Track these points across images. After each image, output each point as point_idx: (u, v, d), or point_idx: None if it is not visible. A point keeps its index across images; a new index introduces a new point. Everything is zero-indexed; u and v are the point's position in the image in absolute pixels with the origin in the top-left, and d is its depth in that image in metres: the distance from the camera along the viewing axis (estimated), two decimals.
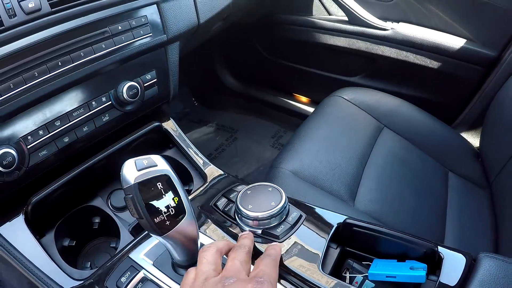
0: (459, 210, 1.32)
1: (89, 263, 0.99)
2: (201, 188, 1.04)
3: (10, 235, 0.90)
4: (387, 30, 1.82)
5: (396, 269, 0.74)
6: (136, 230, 1.03)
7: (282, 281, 0.75)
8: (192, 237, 0.68)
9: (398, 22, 1.84)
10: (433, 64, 1.78)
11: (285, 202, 0.81)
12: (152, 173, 0.62)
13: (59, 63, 0.88)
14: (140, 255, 0.82)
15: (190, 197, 0.98)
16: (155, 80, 1.11)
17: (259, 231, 0.82)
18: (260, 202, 0.82)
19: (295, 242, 0.80)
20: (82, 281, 0.84)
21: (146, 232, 0.86)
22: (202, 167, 1.11)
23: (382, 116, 1.56)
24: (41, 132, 0.90)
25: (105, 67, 0.97)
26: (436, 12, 1.73)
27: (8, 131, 0.86)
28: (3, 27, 0.80)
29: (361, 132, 1.47)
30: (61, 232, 0.99)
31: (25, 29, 0.83)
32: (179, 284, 0.67)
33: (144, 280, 0.77)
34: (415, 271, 0.73)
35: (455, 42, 1.70)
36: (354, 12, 1.86)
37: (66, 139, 0.95)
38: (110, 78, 1.01)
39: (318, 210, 0.88)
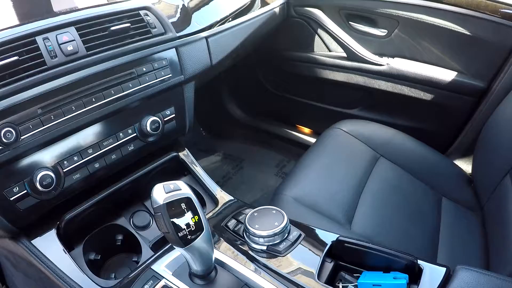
0: (451, 231, 1.36)
1: (113, 274, 1.06)
2: (214, 211, 1.15)
3: (43, 247, 0.99)
4: (383, 65, 1.90)
5: (381, 278, 0.82)
6: (156, 246, 1.11)
7: None
8: (208, 250, 0.77)
9: (393, 57, 1.91)
10: (427, 96, 1.84)
11: (286, 223, 0.94)
12: (177, 195, 0.71)
13: (93, 99, 0.99)
14: (161, 266, 0.91)
15: None
16: (174, 115, 1.22)
17: (265, 247, 0.94)
18: (265, 222, 0.94)
19: (295, 256, 0.92)
20: None
21: (166, 247, 0.98)
22: (214, 193, 1.22)
23: (379, 146, 1.62)
24: (75, 158, 1.00)
25: (131, 103, 1.08)
26: (428, 47, 1.80)
27: (47, 156, 0.95)
28: (46, 66, 0.92)
29: (358, 162, 1.54)
30: (88, 246, 1.06)
31: (64, 69, 0.95)
32: None
33: None
34: (398, 280, 0.85)
35: (446, 75, 1.76)
36: (352, 49, 1.95)
37: (97, 165, 1.05)
38: (135, 113, 1.11)
39: (315, 230, 0.99)
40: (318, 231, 0.99)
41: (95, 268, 1.04)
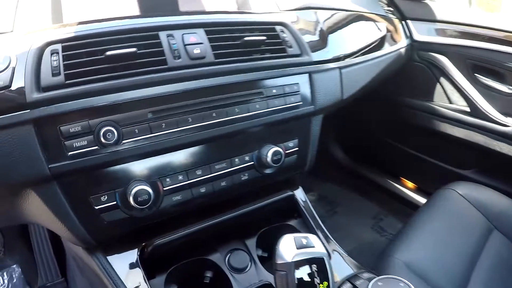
0: None
1: None
2: None
3: (120, 268, 0.85)
4: (509, 126, 1.58)
5: None
6: None
7: None
8: None
9: None
10: None
11: None
12: (310, 254, 0.60)
13: (214, 114, 0.83)
14: None
15: None
16: (296, 149, 1.02)
17: None
18: None
19: None
20: None
21: None
22: (326, 246, 1.01)
23: (494, 216, 1.37)
24: (180, 177, 0.83)
25: (254, 127, 0.91)
26: None
27: (149, 168, 0.80)
28: (166, 66, 0.78)
29: (472, 231, 1.32)
30: (171, 278, 0.92)
31: (187, 73, 0.80)
32: None
33: None
34: None
35: None
36: (476, 104, 1.64)
37: (203, 189, 0.87)
38: (256, 140, 0.94)
39: None
40: None
41: None
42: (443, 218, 1.39)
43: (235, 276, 0.96)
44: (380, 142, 2.20)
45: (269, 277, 0.92)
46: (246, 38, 0.88)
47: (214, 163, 0.87)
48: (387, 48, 1.50)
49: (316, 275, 0.58)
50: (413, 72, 1.87)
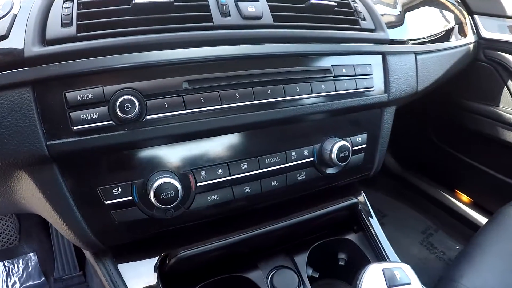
0: None
1: None
2: None
3: (132, 281, 0.70)
4: None
5: None
6: None
7: None
8: None
9: None
10: None
11: None
12: None
13: (268, 91, 0.67)
14: None
15: None
16: (364, 146, 0.85)
17: None
18: None
19: None
20: None
21: None
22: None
23: None
24: (220, 170, 0.67)
25: (317, 113, 0.74)
26: None
27: (179, 156, 0.64)
28: (211, 24, 0.63)
29: None
30: None
31: (237, 35, 0.65)
32: None
33: None
34: None
35: None
36: None
37: (248, 189, 0.71)
38: (317, 130, 0.78)
39: None
40: None
41: None
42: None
43: None
44: (435, 148, 2.01)
45: None
46: (313, 1, 0.73)
47: (264, 156, 0.71)
48: (457, 41, 1.36)
49: None
50: (478, 73, 1.70)
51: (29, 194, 0.62)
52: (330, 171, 0.79)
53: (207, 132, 0.64)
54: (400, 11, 1.04)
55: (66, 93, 0.54)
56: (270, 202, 0.78)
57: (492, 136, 1.68)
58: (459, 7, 1.50)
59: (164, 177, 0.60)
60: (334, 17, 0.78)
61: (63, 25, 0.57)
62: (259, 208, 0.79)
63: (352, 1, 0.84)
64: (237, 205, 0.72)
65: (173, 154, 0.63)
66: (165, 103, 0.58)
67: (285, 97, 0.68)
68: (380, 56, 0.84)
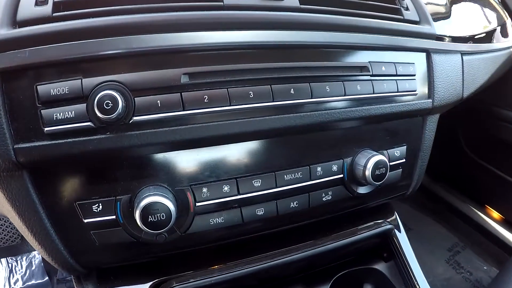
0: None
1: None
2: None
3: None
4: None
5: None
6: None
7: None
8: None
9: None
10: None
11: None
12: None
13: (291, 91, 0.55)
14: None
15: None
16: (403, 160, 0.72)
17: None
18: None
19: None
20: None
21: None
22: None
23: None
24: (226, 188, 0.55)
25: (349, 119, 0.61)
26: None
27: (173, 168, 0.53)
28: (221, 3, 0.53)
29: None
30: None
31: (251, 17, 0.54)
32: None
33: None
34: None
35: None
36: None
37: (260, 211, 0.59)
38: (348, 140, 0.66)
39: None
40: None
41: None
42: None
43: None
44: (466, 159, 1.89)
45: None
46: None
47: (282, 171, 0.59)
48: (501, 43, 1.23)
49: None
50: None
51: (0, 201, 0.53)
52: (361, 190, 0.67)
53: (211, 140, 0.52)
54: (446, 2, 0.92)
55: (37, 86, 0.46)
56: (287, 226, 0.66)
57: None
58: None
59: (154, 194, 0.49)
60: (373, 3, 0.68)
61: (37, 3, 0.49)
62: (275, 233, 0.67)
63: None
64: (247, 229, 0.61)
65: (167, 166, 0.53)
66: (158, 102, 0.47)
67: (311, 98, 0.56)
68: (424, 54, 0.73)
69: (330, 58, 0.59)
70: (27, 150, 0.46)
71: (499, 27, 1.28)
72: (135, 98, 0.47)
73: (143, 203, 0.48)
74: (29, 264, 1.41)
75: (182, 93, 0.48)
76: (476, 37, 1.01)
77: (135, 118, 0.47)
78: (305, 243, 0.70)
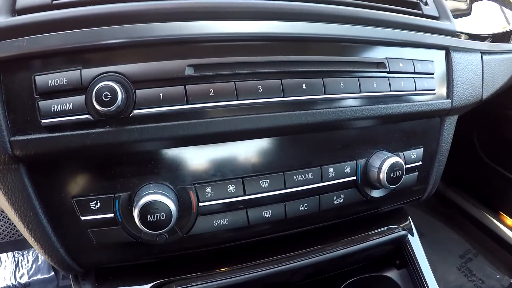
0: None
1: None
2: None
3: None
4: None
5: None
6: None
7: None
8: None
9: None
10: None
11: None
12: None
13: (303, 86, 0.52)
14: None
15: None
16: (420, 163, 0.69)
17: None
18: None
19: None
20: None
21: None
22: None
23: None
24: (231, 188, 0.53)
25: (364, 118, 0.59)
26: None
27: (175, 166, 0.51)
28: None
29: None
30: None
31: (260, 5, 0.51)
32: None
33: None
34: None
35: None
36: None
37: (268, 213, 0.56)
38: (362, 140, 0.63)
39: None
40: None
41: None
42: None
43: None
44: (481, 164, 1.85)
45: None
46: None
47: (292, 171, 0.56)
48: None
49: None
50: None
51: None
52: (375, 193, 0.64)
53: (216, 137, 0.50)
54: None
55: (35, 76, 0.44)
56: (296, 230, 0.64)
57: None
58: None
59: (154, 193, 0.47)
60: None
61: None
62: (282, 236, 0.64)
63: None
64: (252, 232, 0.58)
65: (169, 163, 0.51)
66: (160, 94, 0.45)
67: (324, 95, 0.53)
68: (443, 52, 0.70)
69: (344, 53, 0.57)
70: (23, 143, 0.45)
71: None
72: (136, 90, 0.45)
73: (142, 201, 0.46)
74: (35, 259, 1.41)
75: (186, 86, 0.46)
76: (494, 36, 0.97)
77: (135, 111, 0.45)
78: (313, 248, 0.67)
